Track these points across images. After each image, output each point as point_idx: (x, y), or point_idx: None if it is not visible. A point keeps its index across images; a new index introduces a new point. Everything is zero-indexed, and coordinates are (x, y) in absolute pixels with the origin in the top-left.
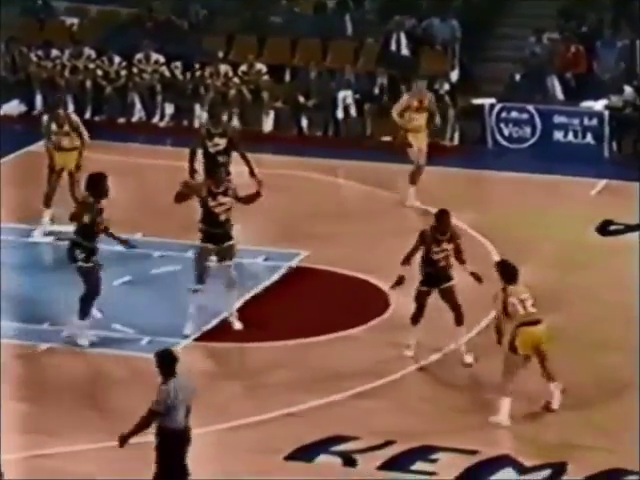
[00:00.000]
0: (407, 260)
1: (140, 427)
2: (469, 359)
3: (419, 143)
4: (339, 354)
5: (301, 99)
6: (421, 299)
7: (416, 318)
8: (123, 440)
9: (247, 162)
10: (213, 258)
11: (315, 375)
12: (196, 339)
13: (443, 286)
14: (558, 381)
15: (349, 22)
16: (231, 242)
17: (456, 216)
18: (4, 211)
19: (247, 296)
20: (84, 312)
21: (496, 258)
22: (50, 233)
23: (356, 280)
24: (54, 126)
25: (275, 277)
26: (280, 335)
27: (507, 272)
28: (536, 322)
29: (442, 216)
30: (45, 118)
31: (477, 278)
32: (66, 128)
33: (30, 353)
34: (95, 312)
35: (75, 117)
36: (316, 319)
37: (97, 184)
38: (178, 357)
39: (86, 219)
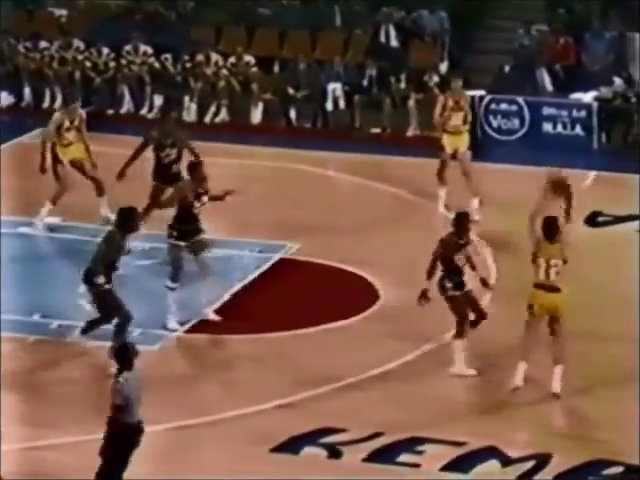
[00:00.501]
0: (431, 274)
1: (112, 426)
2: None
3: (457, 144)
4: (328, 346)
5: (290, 91)
6: (459, 307)
7: (462, 331)
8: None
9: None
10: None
11: (304, 367)
12: (185, 331)
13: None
14: (564, 364)
15: (338, 13)
16: (202, 235)
17: (449, 208)
18: None
19: (237, 288)
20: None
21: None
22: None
23: (345, 272)
24: (67, 122)
25: (264, 269)
26: (269, 327)
27: (549, 228)
28: (552, 289)
29: (462, 219)
30: (58, 114)
31: (485, 284)
32: (76, 122)
33: (22, 345)
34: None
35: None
36: (305, 311)
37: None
38: (138, 351)
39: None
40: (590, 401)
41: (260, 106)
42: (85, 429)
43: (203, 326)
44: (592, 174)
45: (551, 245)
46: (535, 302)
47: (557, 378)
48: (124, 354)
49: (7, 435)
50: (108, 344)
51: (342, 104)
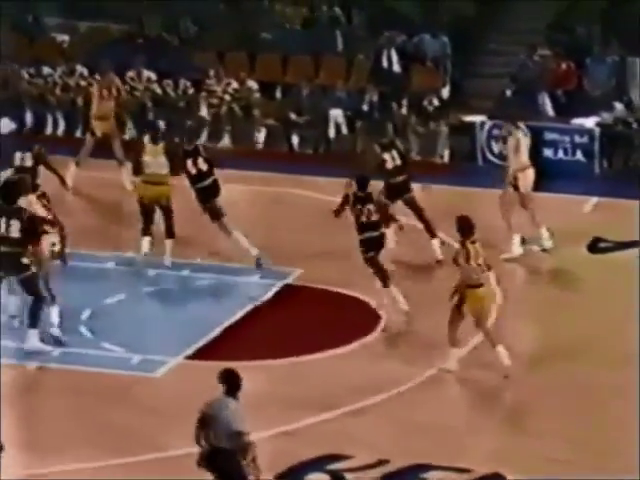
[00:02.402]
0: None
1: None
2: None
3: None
4: (333, 372)
5: (292, 116)
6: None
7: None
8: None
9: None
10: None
11: (309, 393)
12: (187, 357)
13: None
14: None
15: (340, 38)
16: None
17: (446, 233)
18: None
19: (241, 314)
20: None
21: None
22: None
23: (348, 297)
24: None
25: (269, 295)
26: (274, 353)
27: (465, 227)
28: (480, 285)
29: (464, 222)
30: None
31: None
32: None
33: (22, 371)
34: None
35: None
36: (309, 337)
37: None
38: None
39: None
40: (588, 427)
41: (263, 131)
42: (82, 455)
43: (205, 352)
44: (593, 200)
45: (474, 246)
46: (467, 301)
47: (503, 355)
48: (228, 377)
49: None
50: (102, 370)
51: (344, 131)
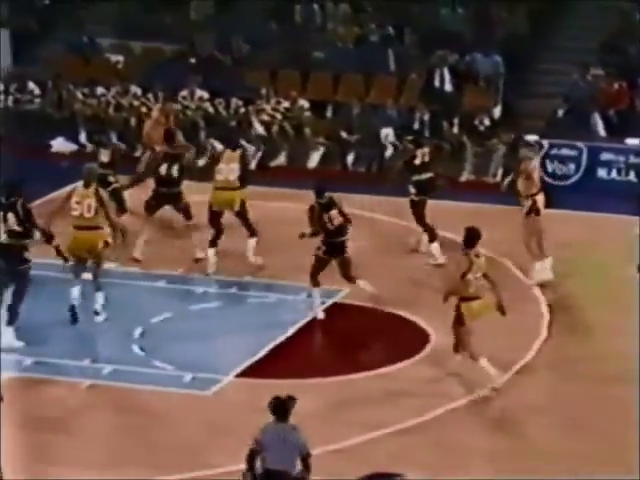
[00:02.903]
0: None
1: (247, 464)
2: None
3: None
4: (381, 390)
5: (344, 135)
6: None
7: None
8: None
9: None
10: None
11: (357, 412)
12: (237, 375)
13: None
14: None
15: (392, 57)
16: None
17: (498, 253)
18: (46, 246)
19: (289, 332)
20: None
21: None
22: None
23: (396, 316)
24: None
25: (317, 313)
26: (322, 372)
27: (470, 238)
28: (478, 297)
29: (472, 233)
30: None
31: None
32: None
33: (74, 389)
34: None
35: None
36: (357, 355)
37: None
38: (290, 408)
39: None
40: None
41: (320, 150)
42: (134, 473)
43: (255, 371)
44: None
45: (478, 259)
46: (466, 313)
47: (488, 367)
48: (277, 408)
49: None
50: (153, 388)
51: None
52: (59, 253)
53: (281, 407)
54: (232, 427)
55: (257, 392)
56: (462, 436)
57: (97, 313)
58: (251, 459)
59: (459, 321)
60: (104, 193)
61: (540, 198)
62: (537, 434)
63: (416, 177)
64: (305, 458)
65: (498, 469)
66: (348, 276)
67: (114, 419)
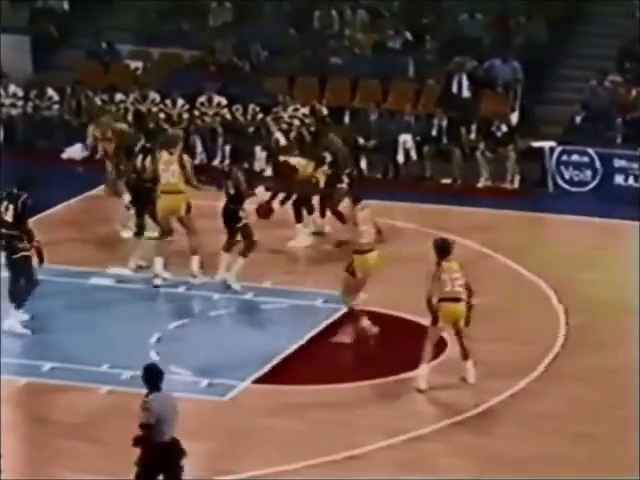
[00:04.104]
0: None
1: (139, 443)
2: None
3: None
4: (398, 396)
5: (361, 141)
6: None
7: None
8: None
9: None
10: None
11: (375, 418)
12: (255, 381)
13: None
14: (473, 359)
15: (411, 63)
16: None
17: (516, 260)
18: (63, 253)
19: (306, 338)
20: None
21: (554, 303)
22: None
23: (412, 322)
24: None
25: (333, 319)
26: (339, 377)
27: (441, 249)
28: (457, 300)
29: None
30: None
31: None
32: None
33: (93, 395)
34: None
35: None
36: (374, 361)
37: None
38: (163, 372)
39: None
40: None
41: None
42: None
43: (271, 376)
44: None
45: (448, 263)
46: (440, 314)
47: (471, 371)
48: (150, 376)
49: None
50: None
51: (414, 155)
52: (38, 254)
53: (157, 375)
54: (248, 433)
55: (273, 398)
56: (479, 442)
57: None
58: (147, 437)
59: (435, 327)
60: (187, 158)
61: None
62: (553, 440)
63: None
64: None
65: (515, 475)
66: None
67: (132, 425)
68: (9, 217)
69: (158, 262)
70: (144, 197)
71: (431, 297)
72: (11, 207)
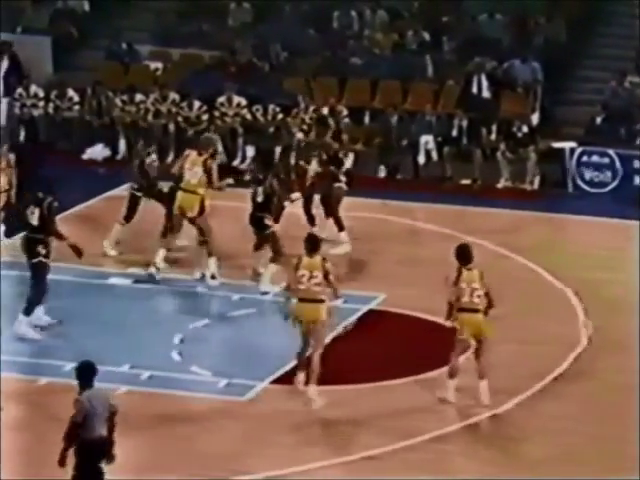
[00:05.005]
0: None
1: (67, 440)
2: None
3: None
4: (416, 397)
5: (381, 141)
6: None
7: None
8: (61, 460)
9: None
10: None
11: (392, 418)
12: (272, 382)
13: None
14: (489, 379)
15: (430, 64)
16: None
17: (535, 260)
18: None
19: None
20: (33, 308)
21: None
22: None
23: (431, 323)
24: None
25: (353, 320)
26: (358, 378)
27: (461, 256)
28: (475, 310)
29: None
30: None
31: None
32: None
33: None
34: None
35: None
36: (393, 362)
37: None
38: (96, 370)
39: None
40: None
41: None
42: (172, 475)
43: (290, 377)
44: None
45: (469, 272)
46: (459, 325)
47: (485, 391)
48: (83, 373)
49: None
50: (189, 394)
51: (434, 156)
52: (74, 249)
53: (90, 372)
54: (267, 433)
55: (292, 399)
56: (496, 444)
57: (213, 277)
58: (74, 435)
59: (460, 341)
60: (213, 163)
61: None
62: (570, 442)
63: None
64: (112, 416)
65: (532, 476)
66: None
67: (150, 425)
68: (34, 220)
69: (212, 262)
70: None
71: (451, 301)
72: (37, 211)
